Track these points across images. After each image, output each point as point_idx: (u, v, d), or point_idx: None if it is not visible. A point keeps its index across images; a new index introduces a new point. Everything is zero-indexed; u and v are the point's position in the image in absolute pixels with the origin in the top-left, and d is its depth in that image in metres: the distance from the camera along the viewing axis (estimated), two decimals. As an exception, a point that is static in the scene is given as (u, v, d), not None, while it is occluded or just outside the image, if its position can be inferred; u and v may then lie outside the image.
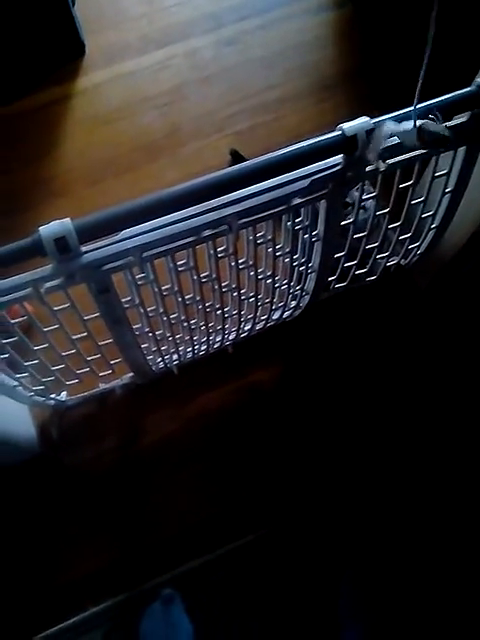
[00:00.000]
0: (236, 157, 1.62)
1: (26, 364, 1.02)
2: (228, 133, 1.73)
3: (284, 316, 1.32)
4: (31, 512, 1.35)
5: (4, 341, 0.93)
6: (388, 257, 1.19)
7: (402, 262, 1.30)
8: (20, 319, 0.93)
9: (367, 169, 0.90)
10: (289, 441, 1.42)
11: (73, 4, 1.72)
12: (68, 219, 0.77)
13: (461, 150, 0.99)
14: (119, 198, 0.84)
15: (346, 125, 0.83)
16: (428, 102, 0.86)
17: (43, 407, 1.36)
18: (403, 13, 1.60)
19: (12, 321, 0.90)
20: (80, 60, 1.84)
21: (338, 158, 0.87)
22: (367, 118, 0.83)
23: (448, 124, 0.90)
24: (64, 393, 1.34)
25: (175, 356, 1.26)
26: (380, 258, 1.19)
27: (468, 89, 0.89)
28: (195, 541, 1.33)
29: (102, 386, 1.36)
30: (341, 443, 1.42)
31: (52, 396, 1.29)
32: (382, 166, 0.90)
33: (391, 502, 1.35)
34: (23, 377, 1.07)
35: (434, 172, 1.01)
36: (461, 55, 1.19)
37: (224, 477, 1.39)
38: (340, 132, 0.83)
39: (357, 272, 1.22)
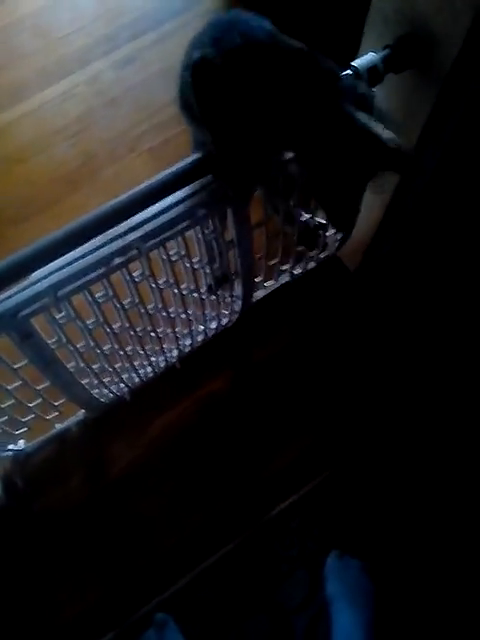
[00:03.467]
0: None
1: (-34, 422, 1.00)
2: (141, 151, 1.74)
3: (222, 323, 1.33)
4: (9, 564, 1.33)
5: None
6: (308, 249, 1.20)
7: (327, 252, 1.32)
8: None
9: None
10: (253, 442, 1.43)
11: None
12: (-30, 274, 0.76)
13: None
14: (47, 234, 0.83)
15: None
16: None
17: (1, 459, 1.34)
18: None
19: None
20: (-19, 104, 1.82)
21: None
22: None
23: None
24: (21, 441, 1.32)
25: (121, 384, 1.26)
26: (301, 251, 1.20)
27: (345, 73, 0.91)
28: (177, 560, 1.32)
29: (57, 427, 1.35)
30: (306, 432, 1.43)
31: (9, 447, 1.28)
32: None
33: (366, 482, 1.37)
34: (-32, 435, 1.06)
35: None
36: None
37: (196, 492, 1.39)
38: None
39: (283, 268, 1.23)
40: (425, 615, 1.25)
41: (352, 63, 0.90)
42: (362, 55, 0.91)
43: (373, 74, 0.90)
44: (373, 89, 0.92)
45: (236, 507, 1.37)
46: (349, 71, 0.90)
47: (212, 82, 0.78)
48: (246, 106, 0.77)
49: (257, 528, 1.34)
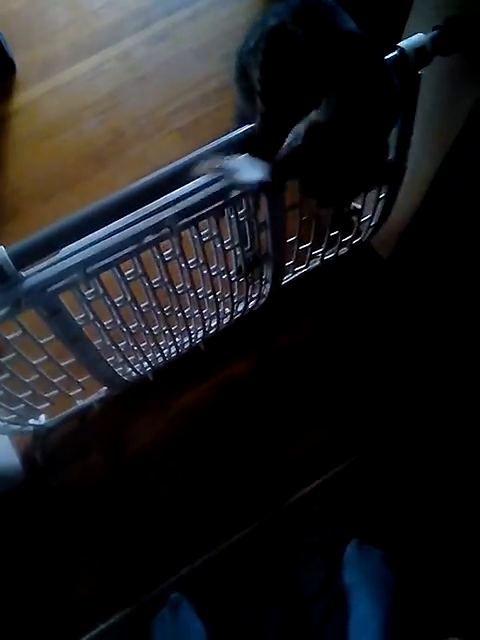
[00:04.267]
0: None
1: (-9, 396, 1.00)
2: (171, 129, 1.72)
3: (250, 306, 1.31)
4: (26, 538, 1.34)
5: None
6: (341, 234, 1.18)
7: (360, 237, 1.30)
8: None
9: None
10: (275, 426, 1.42)
11: (-4, 24, 1.69)
12: (1, 247, 0.76)
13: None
14: (73, 210, 0.83)
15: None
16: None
17: (23, 434, 1.34)
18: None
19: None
20: (12, 78, 1.81)
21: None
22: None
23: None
24: (42, 416, 1.33)
25: (145, 363, 1.25)
26: (333, 236, 1.18)
27: (391, 55, 0.88)
28: (194, 540, 1.32)
29: (79, 403, 1.35)
30: (330, 418, 1.41)
31: (30, 422, 1.28)
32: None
33: (389, 471, 1.35)
34: (-8, 409, 1.05)
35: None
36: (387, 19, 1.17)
37: (214, 473, 1.38)
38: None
39: (314, 252, 1.21)
40: (446, 608, 1.23)
41: (399, 44, 0.88)
42: (408, 36, 0.88)
43: (420, 55, 0.87)
44: (419, 72, 0.90)
45: (256, 490, 1.36)
46: (396, 52, 0.87)
47: (285, 51, 0.79)
48: (308, 81, 0.77)
49: (276, 513, 1.33)
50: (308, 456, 1.38)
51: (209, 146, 0.84)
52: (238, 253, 1.07)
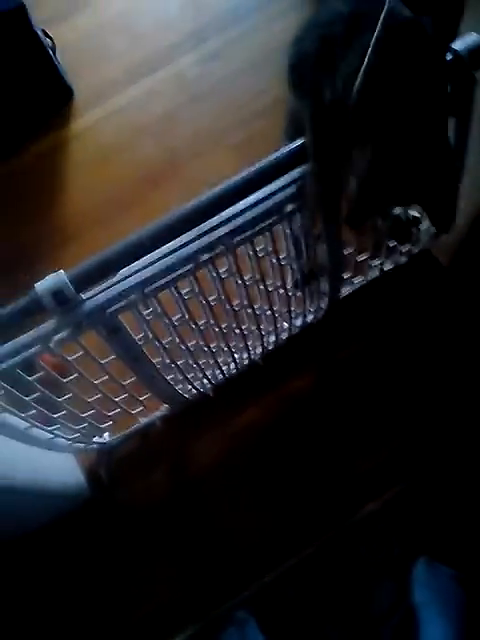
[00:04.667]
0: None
1: (55, 416, 1.02)
2: (225, 146, 1.73)
3: (308, 320, 1.30)
4: (93, 556, 1.35)
5: (28, 397, 0.94)
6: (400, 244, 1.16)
7: (420, 246, 1.27)
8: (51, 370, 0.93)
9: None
10: (339, 442, 1.39)
11: (54, 52, 1.75)
12: (62, 271, 0.77)
13: (452, 123, 0.95)
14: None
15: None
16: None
17: (87, 451, 1.37)
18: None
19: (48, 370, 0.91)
20: (70, 104, 1.87)
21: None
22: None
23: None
24: (106, 434, 1.34)
25: (205, 380, 1.25)
26: (392, 246, 1.16)
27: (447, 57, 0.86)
28: (261, 559, 1.31)
29: (142, 421, 1.36)
30: (395, 433, 1.38)
31: (94, 439, 1.30)
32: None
33: (457, 488, 1.30)
34: (56, 428, 1.07)
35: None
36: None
37: (279, 489, 1.37)
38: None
39: (373, 263, 1.19)
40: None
41: (453, 45, 0.85)
42: (463, 36, 0.86)
43: (475, 57, 0.84)
44: (475, 74, 0.87)
45: (321, 508, 1.34)
46: (450, 54, 0.85)
47: None
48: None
49: (342, 530, 1.31)
50: (372, 472, 1.35)
51: (262, 163, 0.84)
52: (295, 267, 1.06)
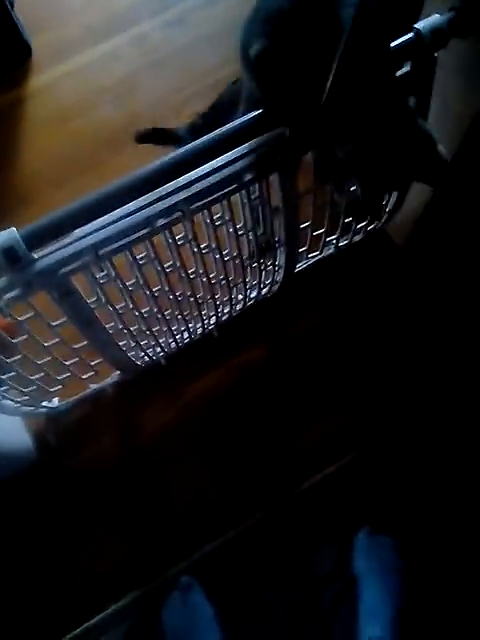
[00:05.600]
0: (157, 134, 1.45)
1: (2, 377, 1.01)
2: (187, 114, 1.69)
3: (263, 292, 1.31)
4: (38, 520, 1.35)
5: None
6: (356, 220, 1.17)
7: (375, 224, 1.29)
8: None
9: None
10: (287, 414, 1.42)
11: (12, 7, 1.68)
12: (13, 228, 0.76)
13: (411, 101, 0.96)
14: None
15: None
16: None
17: (36, 416, 1.36)
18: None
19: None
20: (28, 62, 1.81)
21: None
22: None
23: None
24: (55, 399, 1.33)
25: (158, 348, 1.25)
26: (348, 222, 1.17)
27: (406, 37, 0.87)
28: (206, 526, 1.33)
29: (92, 387, 1.36)
30: (342, 406, 1.41)
31: (43, 404, 1.29)
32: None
33: (401, 460, 1.35)
34: (4, 390, 1.06)
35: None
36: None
37: (227, 459, 1.39)
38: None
39: (328, 239, 1.20)
40: (455, 598, 1.23)
41: (415, 25, 0.86)
42: (425, 17, 0.87)
43: (437, 37, 0.85)
44: (435, 54, 0.88)
45: (267, 477, 1.36)
46: (411, 34, 0.85)
47: None
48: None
49: (287, 500, 1.33)
50: (319, 444, 1.38)
51: (221, 130, 0.83)
52: (251, 238, 1.07)
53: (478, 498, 1.30)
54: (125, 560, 1.32)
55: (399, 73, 0.89)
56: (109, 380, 1.36)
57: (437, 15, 0.86)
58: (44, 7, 1.89)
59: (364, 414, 1.40)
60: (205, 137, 0.82)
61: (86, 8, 1.88)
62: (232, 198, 0.91)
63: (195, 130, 1.15)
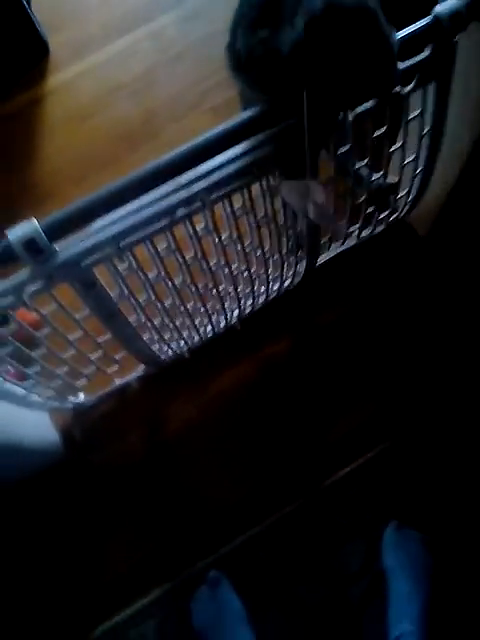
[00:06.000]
0: None
1: (29, 371, 1.01)
2: (204, 109, 1.71)
3: (285, 285, 1.30)
4: (67, 515, 1.36)
5: (1, 351, 0.93)
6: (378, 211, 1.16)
7: (397, 214, 1.27)
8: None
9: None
10: (314, 407, 1.41)
11: (29, 5, 1.69)
12: (34, 219, 0.76)
13: (431, 87, 0.95)
14: None
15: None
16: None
17: (63, 411, 1.36)
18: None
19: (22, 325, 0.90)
20: (46, 60, 1.82)
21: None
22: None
23: (411, 61, 0.87)
24: (81, 394, 1.34)
25: (182, 342, 1.25)
26: (370, 213, 1.15)
27: (425, 21, 0.85)
28: (234, 520, 1.33)
29: (117, 381, 1.36)
30: (369, 400, 1.40)
31: (70, 399, 1.30)
32: (349, 116, 0.87)
33: (428, 454, 1.33)
34: (30, 384, 1.07)
35: (407, 114, 0.97)
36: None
37: (253, 453, 1.38)
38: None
39: (350, 230, 1.19)
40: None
41: (434, 9, 0.84)
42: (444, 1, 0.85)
43: (456, 21, 0.83)
44: (455, 39, 0.86)
45: (294, 472, 1.35)
46: (429, 18, 0.84)
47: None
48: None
49: (314, 494, 1.33)
50: (346, 437, 1.37)
51: (238, 118, 0.82)
52: (290, 233, 1.06)
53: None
54: (152, 554, 1.32)
55: (420, 57, 0.87)
56: (134, 374, 1.37)
57: (455, -1, 0.84)
58: (61, 6, 1.89)
59: (390, 406, 1.39)
60: (220, 126, 0.82)
61: (102, 5, 1.88)
62: (252, 187, 0.91)
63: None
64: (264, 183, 0.92)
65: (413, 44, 0.85)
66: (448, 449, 1.33)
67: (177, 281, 1.02)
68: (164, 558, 1.32)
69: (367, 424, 1.37)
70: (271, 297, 1.32)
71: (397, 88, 0.87)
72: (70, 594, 1.31)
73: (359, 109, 0.86)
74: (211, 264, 1.03)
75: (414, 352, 1.43)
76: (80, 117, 1.75)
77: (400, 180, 1.14)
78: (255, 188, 0.92)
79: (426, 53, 0.88)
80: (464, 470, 1.31)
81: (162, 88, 1.76)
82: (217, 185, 0.84)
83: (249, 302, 1.26)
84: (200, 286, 1.07)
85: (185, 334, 1.22)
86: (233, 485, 1.36)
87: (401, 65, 0.85)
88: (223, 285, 1.12)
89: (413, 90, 0.91)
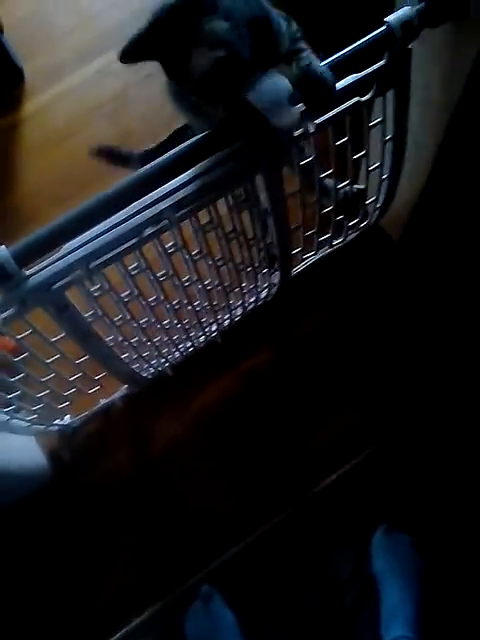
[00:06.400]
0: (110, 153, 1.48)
1: (8, 396, 1.02)
2: (178, 126, 1.72)
3: (261, 297, 1.31)
4: (57, 537, 1.36)
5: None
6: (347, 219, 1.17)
7: (367, 220, 1.28)
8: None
9: (295, 134, 0.88)
10: (297, 416, 1.42)
11: (1, 34, 1.71)
12: (3, 246, 0.77)
13: (390, 94, 0.96)
14: None
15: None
16: (341, 51, 0.85)
17: (48, 434, 1.37)
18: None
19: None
20: (21, 86, 1.84)
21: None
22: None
23: (367, 71, 0.88)
24: (67, 416, 1.34)
25: (162, 359, 1.25)
26: (339, 221, 1.17)
27: (380, 30, 0.87)
28: (223, 533, 1.33)
29: (102, 402, 1.37)
30: (352, 406, 1.41)
31: (55, 422, 1.30)
32: (311, 128, 0.89)
33: (414, 457, 1.34)
34: (12, 410, 1.07)
35: (368, 122, 0.98)
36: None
37: (239, 465, 1.39)
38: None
39: (320, 239, 1.20)
40: (475, 591, 1.21)
41: (385, 19, 0.86)
42: (396, 10, 0.87)
43: (408, 30, 0.85)
44: (409, 46, 0.88)
45: (281, 482, 1.36)
46: (383, 28, 0.85)
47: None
48: None
49: (302, 503, 1.33)
50: (331, 444, 1.37)
51: (199, 137, 0.84)
52: (261, 247, 1.07)
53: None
54: (144, 573, 1.32)
55: (376, 67, 0.89)
56: (117, 394, 1.37)
57: (407, 7, 0.86)
58: (34, 33, 1.91)
59: (375, 411, 1.40)
60: (179, 147, 0.83)
61: (75, 30, 1.91)
62: (217, 202, 0.92)
63: (147, 157, 1.17)
64: (230, 198, 0.94)
65: (368, 53, 0.87)
66: (435, 450, 1.33)
67: (151, 299, 1.03)
68: (156, 576, 1.32)
69: (352, 430, 1.38)
70: (249, 309, 1.33)
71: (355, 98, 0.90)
72: (64, 617, 1.31)
73: (319, 120, 0.88)
74: (183, 280, 1.04)
75: (395, 355, 1.44)
76: (58, 139, 1.76)
77: (367, 187, 1.16)
78: (221, 203, 0.94)
79: (382, 62, 0.89)
80: (452, 471, 1.31)
81: (137, 107, 1.78)
82: (181, 203, 0.86)
83: (226, 316, 1.27)
84: (174, 303, 1.08)
85: (165, 351, 1.23)
86: (221, 498, 1.36)
87: (356, 76, 0.87)
88: (198, 300, 1.13)
89: (372, 98, 0.92)
